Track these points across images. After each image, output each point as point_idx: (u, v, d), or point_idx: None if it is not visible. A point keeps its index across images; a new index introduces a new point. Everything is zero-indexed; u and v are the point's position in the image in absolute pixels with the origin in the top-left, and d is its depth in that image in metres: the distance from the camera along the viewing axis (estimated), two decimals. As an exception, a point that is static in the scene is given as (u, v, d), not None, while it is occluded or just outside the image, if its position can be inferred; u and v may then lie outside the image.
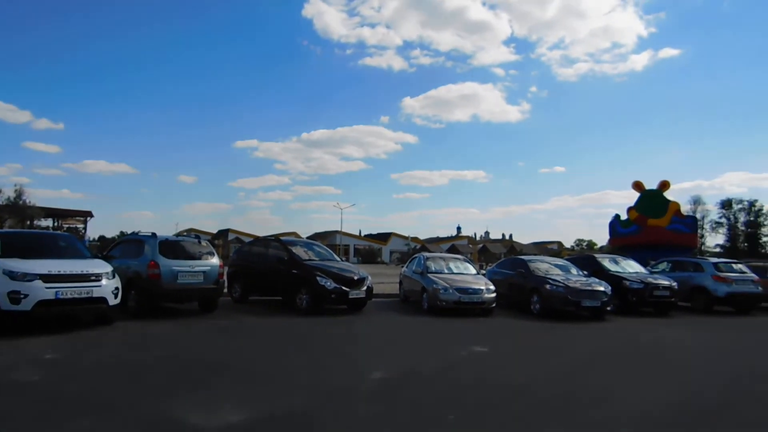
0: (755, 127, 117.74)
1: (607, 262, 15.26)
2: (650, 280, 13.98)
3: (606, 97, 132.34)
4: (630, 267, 15.18)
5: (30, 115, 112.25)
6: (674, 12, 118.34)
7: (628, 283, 13.74)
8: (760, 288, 15.05)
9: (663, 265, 16.96)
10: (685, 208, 43.32)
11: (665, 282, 13.99)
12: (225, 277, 12.20)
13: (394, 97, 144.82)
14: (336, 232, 72.19)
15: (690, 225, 25.28)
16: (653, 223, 24.23)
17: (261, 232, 75.98)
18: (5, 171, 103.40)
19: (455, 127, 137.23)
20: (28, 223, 36.39)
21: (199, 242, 11.93)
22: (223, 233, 75.14)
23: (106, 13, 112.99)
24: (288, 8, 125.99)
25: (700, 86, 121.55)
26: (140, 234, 11.89)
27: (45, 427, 4.22)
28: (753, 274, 15.46)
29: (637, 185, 25.65)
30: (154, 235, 11.21)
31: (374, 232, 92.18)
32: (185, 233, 17.73)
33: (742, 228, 75.15)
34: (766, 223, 73.41)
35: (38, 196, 40.49)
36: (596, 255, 16.93)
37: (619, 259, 15.81)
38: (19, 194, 37.40)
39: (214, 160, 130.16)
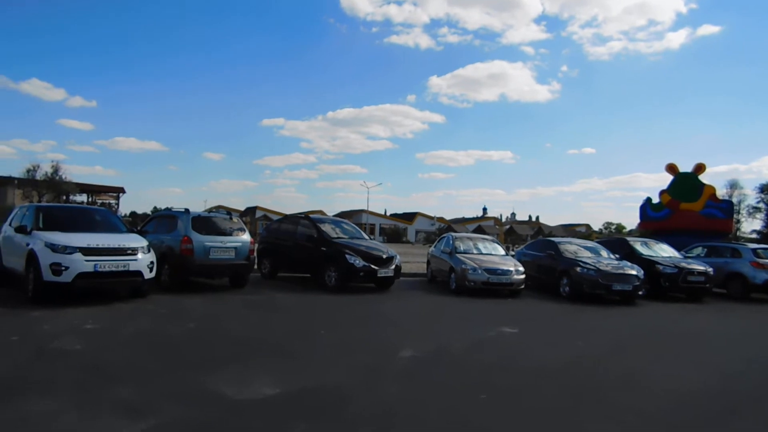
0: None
1: (639, 246, 14.94)
2: (684, 264, 13.64)
3: (639, 77, 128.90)
4: (663, 251, 14.84)
5: (64, 92, 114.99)
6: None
7: (660, 267, 13.44)
8: (800, 276, 14.54)
9: (698, 250, 16.51)
10: (721, 192, 41.91)
11: (700, 267, 13.63)
12: (255, 254, 12.38)
13: (420, 75, 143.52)
14: (362, 211, 72.36)
15: (725, 210, 24.45)
16: (686, 207, 23.53)
17: (287, 210, 76.61)
18: (41, 147, 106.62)
19: (482, 106, 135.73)
20: (64, 198, 37.48)
21: (231, 218, 12.10)
22: (251, 210, 76.18)
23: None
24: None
25: (739, 66, 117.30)
26: (173, 210, 12.11)
27: (85, 395, 4.36)
28: (794, 261, 14.93)
29: (671, 168, 24.87)
30: (187, 210, 11.40)
31: (399, 211, 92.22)
32: (215, 209, 18.02)
33: (782, 213, 72.38)
34: (806, 208, 70.60)
35: (72, 172, 41.61)
36: (628, 238, 16.55)
37: (652, 243, 15.45)
38: (55, 170, 38.52)
39: (241, 137, 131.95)
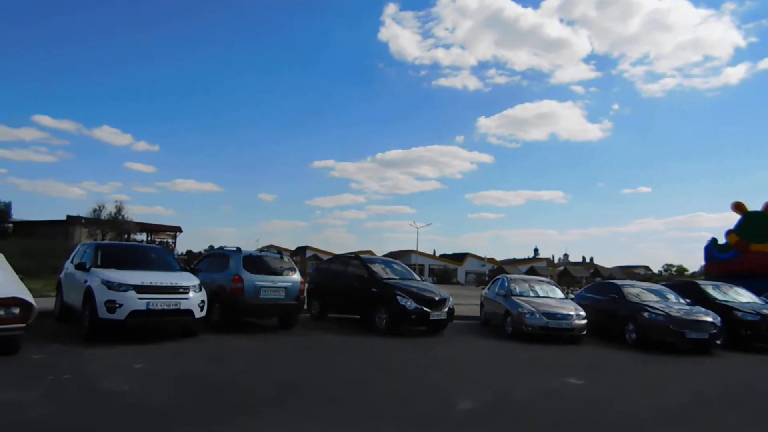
0: None
1: (711, 290, 13.83)
2: (767, 311, 12.47)
3: (696, 113, 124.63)
4: (740, 296, 13.65)
5: (131, 138, 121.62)
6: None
7: (740, 314, 12.31)
8: None
9: (780, 296, 15.14)
10: (796, 233, 39.33)
11: (786, 315, 12.41)
12: (305, 294, 12.22)
13: (468, 116, 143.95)
14: (411, 251, 71.89)
15: (800, 251, 22.64)
16: (757, 249, 21.88)
17: (337, 250, 77.14)
18: (108, 189, 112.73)
19: (532, 146, 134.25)
20: (125, 236, 39.07)
21: (282, 258, 12.05)
22: (301, 250, 77.13)
23: (191, 36, 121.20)
24: (364, 32, 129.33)
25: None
26: (226, 249, 12.18)
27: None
28: None
29: (738, 206, 23.36)
30: (238, 249, 11.43)
31: (449, 252, 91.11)
32: (266, 249, 18.27)
33: None
34: None
35: (134, 212, 43.63)
36: (698, 281, 15.44)
37: (725, 286, 14.28)
38: (119, 210, 40.40)
39: (293, 178, 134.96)
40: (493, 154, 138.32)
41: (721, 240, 23.33)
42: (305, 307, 12.78)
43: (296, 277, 11.53)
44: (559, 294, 13.69)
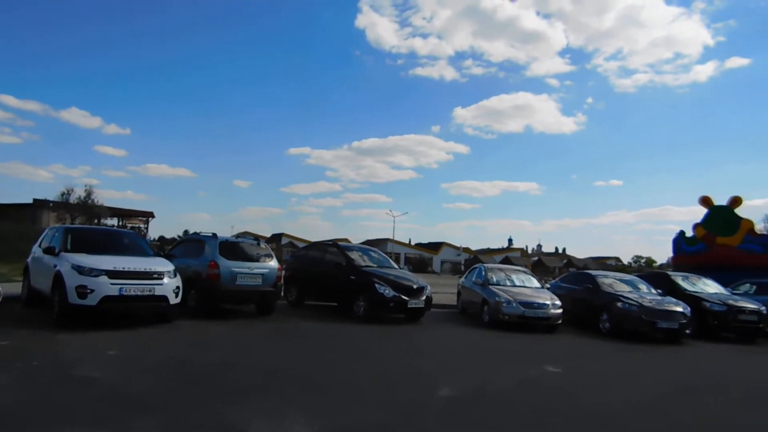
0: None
1: (681, 281, 14.15)
2: (733, 302, 12.82)
3: (667, 109, 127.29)
4: (708, 287, 14.01)
5: (101, 120, 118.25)
6: (745, 20, 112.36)
7: (708, 304, 12.63)
8: None
9: (745, 287, 15.62)
10: (759, 227, 40.43)
11: (752, 306, 12.77)
12: (282, 281, 12.08)
13: (445, 107, 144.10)
14: (387, 239, 72.06)
15: (765, 245, 23.31)
16: (723, 242, 22.53)
17: (313, 238, 76.82)
18: (77, 173, 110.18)
19: (508, 137, 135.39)
20: (96, 221, 38.11)
21: (258, 244, 11.87)
22: (277, 237, 76.59)
23: (165, 22, 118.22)
24: (341, 19, 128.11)
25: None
26: (201, 234, 11.95)
27: (106, 427, 4.03)
28: None
29: (705, 201, 23.99)
30: (214, 235, 11.21)
31: (424, 241, 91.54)
32: (241, 236, 17.92)
33: (824, 250, 69.57)
34: None
35: (104, 196, 42.59)
36: (669, 273, 15.79)
37: (694, 278, 14.63)
38: (88, 194, 39.36)
39: (269, 165, 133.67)
40: (469, 144, 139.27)
41: (689, 233, 23.95)
42: (282, 294, 12.67)
43: (273, 263, 11.38)
44: (536, 283, 13.83)
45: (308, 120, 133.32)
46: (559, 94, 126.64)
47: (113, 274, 8.22)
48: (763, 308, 12.76)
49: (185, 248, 11.87)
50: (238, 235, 21.54)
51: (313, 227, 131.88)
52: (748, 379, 8.32)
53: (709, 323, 12.44)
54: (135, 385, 5.27)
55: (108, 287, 8.10)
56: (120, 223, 47.43)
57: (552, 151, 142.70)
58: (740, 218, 23.03)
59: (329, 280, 12.60)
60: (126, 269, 8.44)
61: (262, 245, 11.96)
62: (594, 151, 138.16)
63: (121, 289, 8.20)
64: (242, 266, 10.71)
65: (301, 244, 71.13)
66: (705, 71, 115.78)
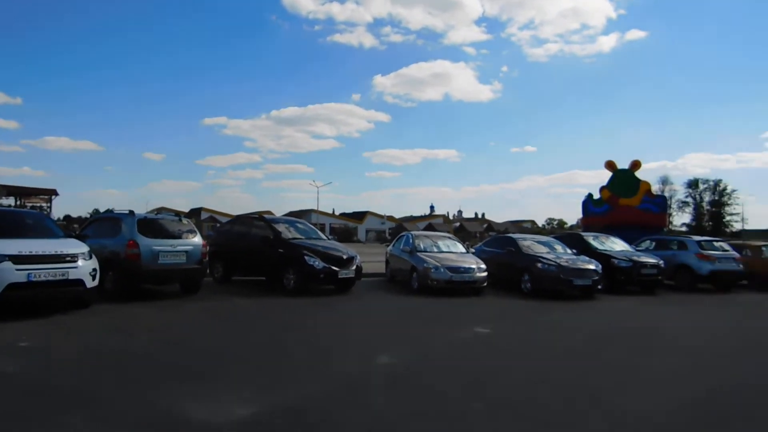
0: (716, 109, 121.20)
1: (592, 240, 15.20)
2: (637, 258, 13.97)
3: (575, 78, 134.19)
4: (616, 245, 15.15)
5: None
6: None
7: (616, 261, 13.69)
8: (740, 266, 15.24)
9: (646, 243, 17.03)
10: (655, 188, 43.93)
11: (652, 260, 14.00)
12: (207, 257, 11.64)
13: (365, 74, 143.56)
14: (311, 210, 71.40)
15: (660, 204, 25.56)
16: (625, 203, 24.38)
17: (234, 211, 74.57)
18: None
19: (427, 105, 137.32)
20: (-11, 201, 34.68)
21: (180, 220, 11.33)
22: (196, 212, 73.64)
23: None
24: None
25: (665, 68, 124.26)
26: (116, 212, 11.20)
27: (30, 425, 3.74)
28: (735, 252, 15.66)
29: (610, 165, 25.72)
30: (131, 212, 10.54)
31: (348, 210, 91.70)
32: (156, 212, 16.94)
33: (707, 207, 77.34)
34: (729, 202, 75.67)
35: (-4, 173, 38.67)
36: (582, 233, 16.86)
37: (604, 237, 15.76)
38: (-23, 171, 35.58)
39: (182, 137, 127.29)
40: (389, 112, 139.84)
41: (596, 195, 25.64)
42: (208, 271, 12.24)
43: (197, 240, 10.92)
44: (461, 249, 14.29)
45: (223, 88, 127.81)
46: (476, 63, 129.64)
47: (18, 259, 7.51)
48: (661, 262, 14.05)
49: (99, 227, 11.09)
50: (154, 211, 20.53)
51: (233, 200, 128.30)
52: (649, 326, 9.12)
53: (618, 278, 13.53)
54: (58, 378, 4.90)
55: (13, 274, 7.40)
56: (18, 202, 43.47)
57: (470, 118, 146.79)
58: (639, 180, 24.95)
59: (256, 255, 12.33)
60: (34, 253, 7.74)
61: (184, 221, 11.42)
62: (509, 118, 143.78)
63: (29, 275, 7.53)
64: (164, 244, 10.18)
65: (222, 219, 68.79)
66: (608, 42, 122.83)
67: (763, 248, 16.82)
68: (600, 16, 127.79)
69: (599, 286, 12.45)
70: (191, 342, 6.73)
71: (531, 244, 13.92)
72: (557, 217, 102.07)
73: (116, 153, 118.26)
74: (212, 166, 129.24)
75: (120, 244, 9.87)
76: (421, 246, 13.53)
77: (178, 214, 12.75)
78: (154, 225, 10.56)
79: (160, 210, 45.25)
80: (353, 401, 4.48)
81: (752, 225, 73.80)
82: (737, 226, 73.24)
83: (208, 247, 11.67)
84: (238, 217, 16.73)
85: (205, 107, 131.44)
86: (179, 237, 10.64)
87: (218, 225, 19.96)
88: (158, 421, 3.90)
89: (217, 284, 12.68)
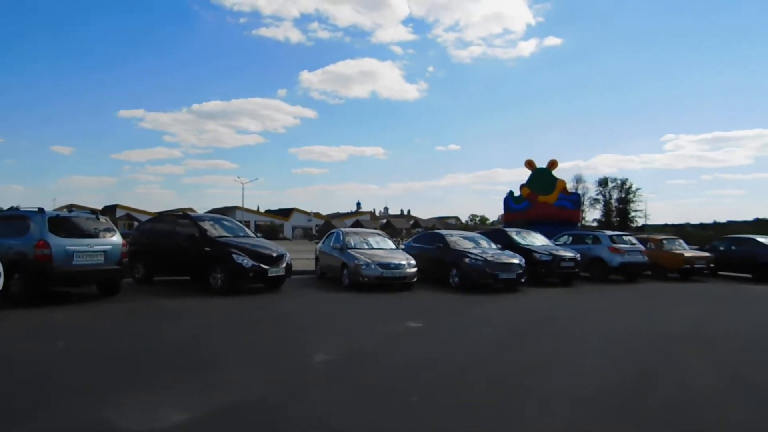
0: (623, 114, 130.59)
1: (515, 236, 15.86)
2: (556, 252, 14.76)
3: (497, 80, 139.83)
4: (537, 240, 15.91)
5: None
6: (559, 2, 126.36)
7: (537, 255, 14.39)
8: (645, 258, 16.51)
9: (564, 238, 18.02)
10: (569, 186, 46.56)
11: (570, 254, 14.84)
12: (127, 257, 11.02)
13: (291, 70, 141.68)
14: (236, 207, 69.43)
15: (574, 201, 27.14)
16: (543, 200, 25.66)
17: (152, 208, 71.07)
18: None
19: (354, 102, 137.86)
20: None
21: (97, 218, 10.62)
22: (111, 209, 69.37)
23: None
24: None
25: (578, 74, 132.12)
26: (22, 210, 10.33)
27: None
28: (641, 245, 16.93)
29: (529, 164, 26.96)
30: (41, 210, 9.76)
31: (274, 207, 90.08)
32: (66, 209, 15.65)
33: (615, 204, 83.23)
34: (634, 199, 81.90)
35: None
36: (506, 229, 17.56)
37: (525, 232, 16.49)
38: None
39: (95, 130, 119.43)
40: (316, 108, 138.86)
41: (517, 193, 26.80)
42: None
43: (117, 239, 10.30)
44: (391, 245, 14.47)
45: (141, 80, 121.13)
46: (403, 62, 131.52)
47: None
48: (578, 255, 14.93)
49: (1, 227, 10.18)
50: (64, 209, 19.12)
51: (152, 197, 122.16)
52: (568, 315, 9.70)
53: (539, 271, 14.23)
54: (-39, 391, 4.47)
55: None
56: None
57: (396, 116, 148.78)
58: (556, 179, 26.33)
59: (181, 253, 11.86)
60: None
61: (102, 219, 10.71)
62: (435, 117, 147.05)
63: None
64: (79, 244, 9.52)
65: (140, 216, 65.42)
66: (528, 47, 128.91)
67: (664, 241, 18.33)
68: (521, 22, 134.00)
69: (523, 279, 13.04)
70: (113, 346, 6.33)
71: (458, 240, 14.32)
72: (480, 213, 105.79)
73: (19, 145, 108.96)
74: (128, 160, 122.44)
75: (28, 245, 9.12)
76: (352, 243, 13.56)
77: (94, 211, 11.95)
78: (67, 223, 9.84)
79: (71, 207, 42.19)
80: (292, 400, 4.42)
81: (653, 220, 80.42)
82: (641, 222, 79.25)
83: (128, 247, 11.05)
84: (161, 214, 16.05)
85: (121, 99, 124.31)
86: (96, 236, 9.99)
87: (137, 223, 18.89)
88: (85, 432, 3.66)
89: (138, 285, 12.06)
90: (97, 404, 4.15)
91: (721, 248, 18.85)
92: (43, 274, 9.07)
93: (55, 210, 12.24)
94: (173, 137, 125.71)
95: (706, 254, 18.03)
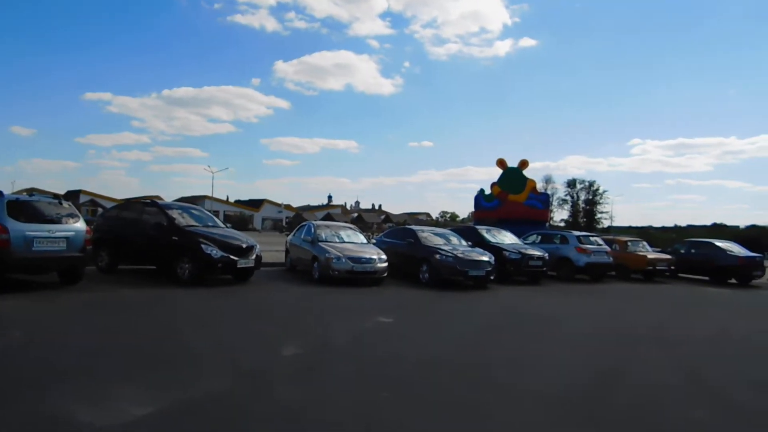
0: (593, 117, 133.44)
1: (486, 233, 16.03)
2: (525, 251, 14.97)
3: (472, 79, 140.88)
4: (507, 238, 16.12)
5: None
6: (536, 5, 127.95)
7: (507, 253, 14.57)
8: (610, 258, 16.92)
9: (533, 237, 18.31)
10: (539, 186, 47.44)
11: (538, 253, 15.08)
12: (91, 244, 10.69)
13: (266, 59, 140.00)
14: (205, 197, 68.29)
15: (544, 201, 27.60)
16: (513, 199, 26.01)
17: (118, 195, 69.43)
18: None
19: (328, 95, 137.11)
20: None
21: (60, 203, 10.27)
22: (74, 194, 67.28)
23: None
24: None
25: (551, 76, 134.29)
26: (-22, 193, 9.89)
27: None
28: (606, 246, 17.34)
29: (501, 163, 27.26)
30: (0, 193, 9.39)
31: (244, 198, 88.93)
32: (26, 193, 15.07)
33: (583, 205, 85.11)
34: (601, 201, 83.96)
35: None
36: (477, 226, 17.74)
37: (496, 230, 16.67)
38: None
39: (58, 111, 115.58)
40: (290, 99, 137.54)
41: (488, 191, 27.09)
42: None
43: (80, 225, 9.98)
44: (362, 239, 14.43)
45: (109, 62, 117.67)
46: (379, 56, 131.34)
47: None
48: (546, 254, 15.19)
49: (-44, 210, 9.74)
50: (24, 192, 18.46)
51: (117, 183, 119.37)
52: (536, 312, 9.85)
53: (508, 269, 14.42)
54: None
55: None
56: None
57: (370, 110, 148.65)
58: (526, 178, 26.71)
59: (147, 242, 11.56)
60: None
61: (65, 204, 10.35)
62: (409, 113, 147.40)
63: None
64: (40, 229, 9.17)
65: (104, 203, 63.74)
66: (504, 47, 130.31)
67: (629, 243, 18.83)
68: (497, 22, 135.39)
69: (492, 277, 13.18)
70: (75, 337, 6.14)
71: (429, 236, 14.38)
72: (451, 210, 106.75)
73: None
74: (94, 144, 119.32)
75: (-16, 229, 8.75)
76: (323, 236, 13.48)
77: (56, 196, 11.56)
78: (27, 208, 9.47)
79: (32, 191, 40.76)
80: (259, 394, 4.36)
81: (619, 222, 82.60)
82: (606, 223, 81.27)
83: (92, 234, 10.73)
84: (128, 201, 15.59)
85: (87, 81, 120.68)
86: (58, 222, 9.65)
87: (102, 210, 18.40)
88: (43, 428, 3.52)
89: (101, 274, 11.73)
90: (57, 398, 4.01)
91: (682, 251, 19.48)
92: (1, 261, 8.73)
93: (14, 193, 11.80)
94: (141, 123, 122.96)
95: (668, 256, 18.62)
